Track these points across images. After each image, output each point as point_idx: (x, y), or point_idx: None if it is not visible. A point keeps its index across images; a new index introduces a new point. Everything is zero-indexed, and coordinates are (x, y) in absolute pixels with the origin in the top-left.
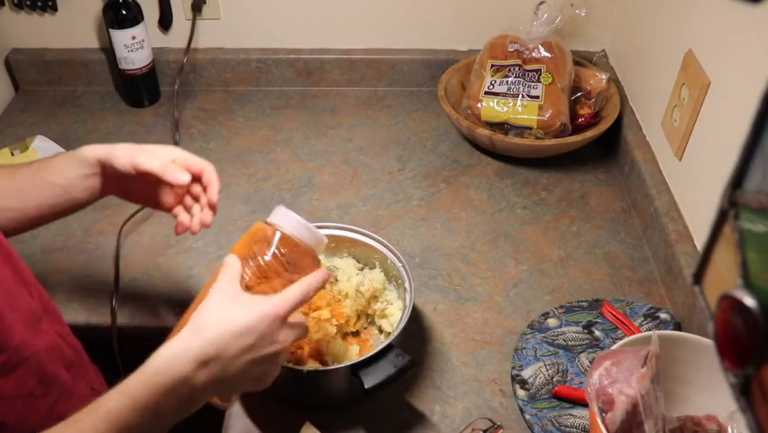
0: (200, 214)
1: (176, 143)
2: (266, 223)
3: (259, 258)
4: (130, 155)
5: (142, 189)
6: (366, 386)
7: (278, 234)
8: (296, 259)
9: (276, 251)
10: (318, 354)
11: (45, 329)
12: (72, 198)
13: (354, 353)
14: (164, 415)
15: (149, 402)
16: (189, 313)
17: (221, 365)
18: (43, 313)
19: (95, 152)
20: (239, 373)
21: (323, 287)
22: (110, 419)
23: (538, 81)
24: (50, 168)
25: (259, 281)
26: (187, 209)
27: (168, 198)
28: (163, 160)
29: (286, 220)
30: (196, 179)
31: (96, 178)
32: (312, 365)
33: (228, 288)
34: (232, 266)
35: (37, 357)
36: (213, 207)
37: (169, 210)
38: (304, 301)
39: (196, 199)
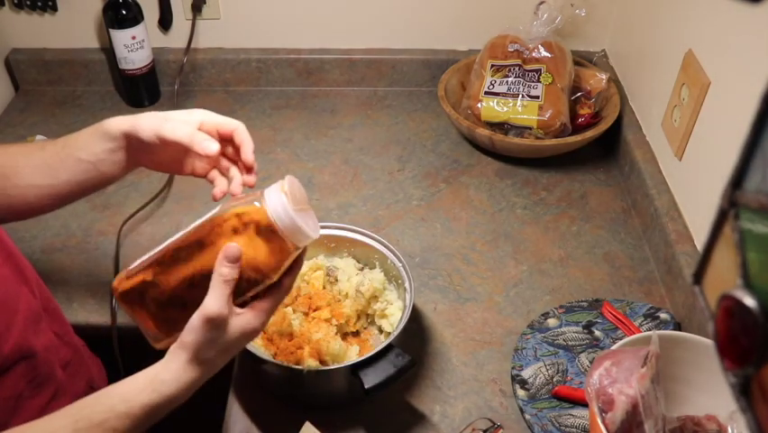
0: (239, 176)
1: None
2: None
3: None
4: (155, 126)
5: (173, 158)
6: (366, 386)
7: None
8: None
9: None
10: (318, 354)
11: (44, 329)
12: (101, 172)
13: (354, 353)
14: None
15: (146, 421)
16: (170, 248)
17: (210, 368)
18: (43, 312)
19: (119, 125)
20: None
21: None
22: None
23: (538, 81)
24: (76, 143)
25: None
26: (224, 172)
27: (200, 164)
28: (190, 127)
29: (279, 214)
30: (228, 140)
31: (123, 151)
32: (312, 365)
33: (226, 311)
34: (230, 278)
35: (30, 359)
36: (250, 169)
37: (203, 176)
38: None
39: (233, 161)
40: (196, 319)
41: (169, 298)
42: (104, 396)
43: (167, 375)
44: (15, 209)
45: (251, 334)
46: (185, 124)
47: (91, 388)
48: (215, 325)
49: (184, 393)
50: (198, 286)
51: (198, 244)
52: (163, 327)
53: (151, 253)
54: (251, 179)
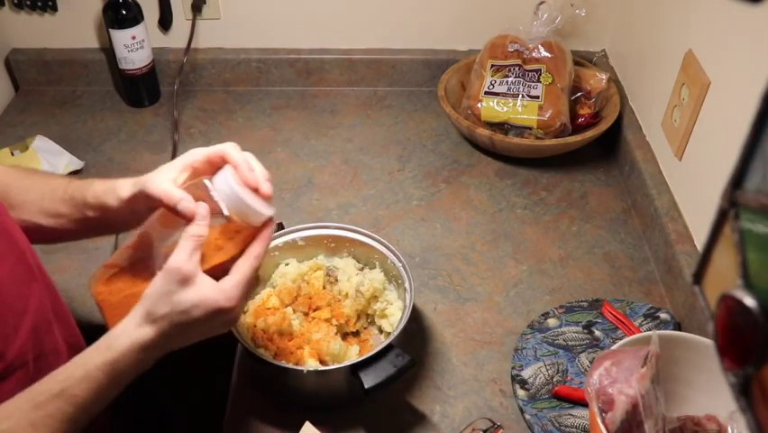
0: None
1: (174, 144)
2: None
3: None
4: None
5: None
6: (366, 386)
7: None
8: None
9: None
10: (318, 354)
11: (53, 333)
12: (88, 225)
13: (354, 353)
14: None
15: (108, 386)
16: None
17: (166, 347)
18: (53, 316)
19: (126, 188)
20: (181, 344)
21: (259, 263)
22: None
23: (538, 81)
24: (81, 186)
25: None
26: None
27: None
28: (169, 182)
29: (225, 192)
30: (220, 165)
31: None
32: (312, 365)
33: (188, 266)
34: (197, 234)
35: (35, 364)
36: (255, 187)
37: None
38: (254, 275)
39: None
40: (158, 273)
41: None
42: (65, 365)
43: (120, 330)
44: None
45: (213, 309)
46: (166, 181)
47: None
48: (173, 278)
49: (139, 353)
50: None
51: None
52: None
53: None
54: (267, 188)
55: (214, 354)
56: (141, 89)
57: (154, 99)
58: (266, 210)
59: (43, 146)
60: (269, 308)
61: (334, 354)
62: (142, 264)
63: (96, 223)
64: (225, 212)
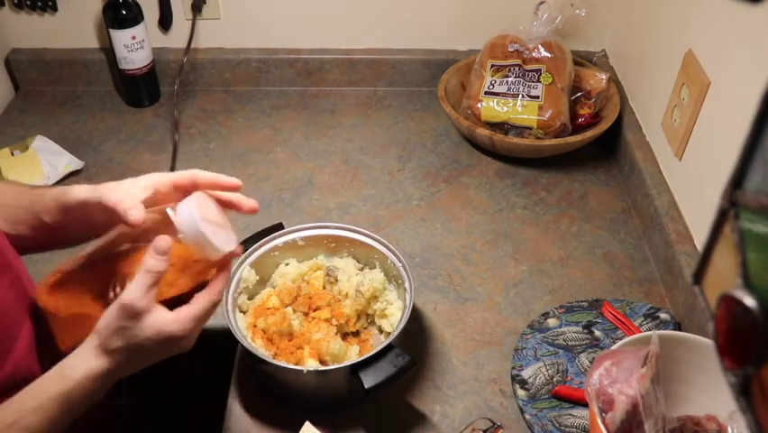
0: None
1: (175, 144)
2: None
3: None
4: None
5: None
6: (366, 386)
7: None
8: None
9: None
10: (318, 354)
11: (47, 356)
12: (47, 235)
13: (354, 353)
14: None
15: (61, 417)
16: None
17: (118, 377)
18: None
19: (77, 194)
20: (132, 371)
21: (220, 298)
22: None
23: (538, 81)
24: (42, 196)
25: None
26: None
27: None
28: (128, 195)
29: (187, 224)
30: (189, 190)
31: (71, 216)
32: (312, 365)
33: (143, 302)
34: (156, 270)
35: (28, 383)
36: (235, 188)
37: None
38: (212, 310)
39: (227, 204)
40: (112, 306)
41: None
42: (18, 395)
43: (75, 360)
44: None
45: (169, 339)
46: (122, 192)
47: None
48: (128, 313)
49: (94, 383)
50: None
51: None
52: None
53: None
54: (247, 205)
55: (214, 354)
56: (141, 89)
57: (154, 99)
58: (226, 246)
59: (43, 146)
60: (269, 308)
61: (334, 354)
62: (94, 276)
63: (53, 231)
64: (185, 242)
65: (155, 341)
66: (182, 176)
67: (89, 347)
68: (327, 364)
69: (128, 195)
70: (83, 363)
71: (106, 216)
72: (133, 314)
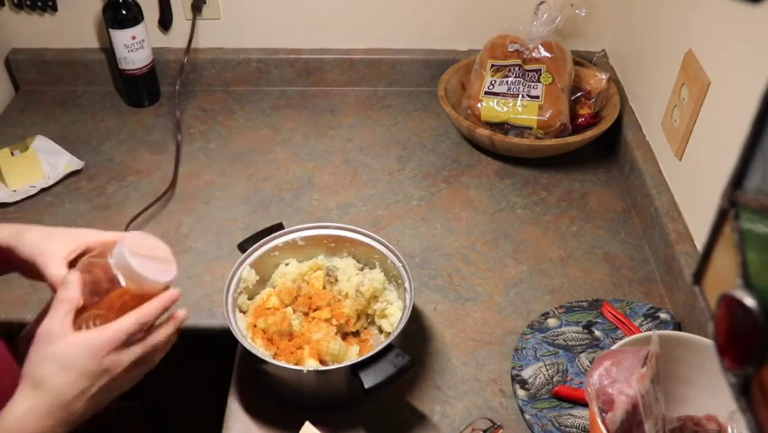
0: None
1: (178, 144)
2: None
3: (96, 293)
4: (34, 252)
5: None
6: (366, 386)
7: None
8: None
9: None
10: (318, 354)
11: None
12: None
13: (354, 353)
14: None
15: None
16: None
17: (66, 412)
18: None
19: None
20: (84, 406)
21: (158, 315)
22: None
23: (538, 81)
24: None
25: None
26: None
27: None
28: (62, 266)
29: (118, 260)
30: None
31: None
32: (312, 365)
33: (58, 326)
34: (68, 298)
35: None
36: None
37: None
38: (138, 329)
39: None
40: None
41: None
42: None
43: (10, 406)
44: None
45: (96, 350)
46: (45, 246)
47: None
48: (44, 338)
49: (35, 423)
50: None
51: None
52: None
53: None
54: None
55: (214, 354)
56: (141, 89)
57: (154, 99)
58: (161, 277)
59: (43, 146)
60: (269, 308)
61: (334, 354)
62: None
63: None
64: (122, 283)
65: (83, 354)
66: (113, 237)
67: (21, 387)
68: (327, 364)
69: (50, 249)
70: (15, 408)
71: (27, 263)
72: (48, 337)
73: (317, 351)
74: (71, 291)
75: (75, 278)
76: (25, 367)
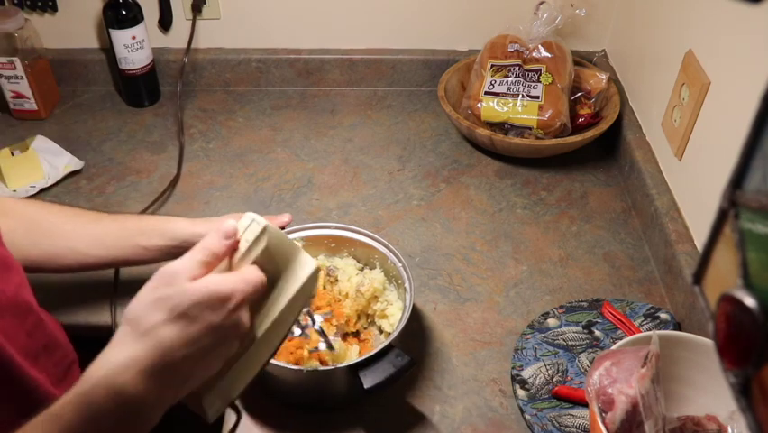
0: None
1: (181, 145)
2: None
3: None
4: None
5: None
6: (366, 386)
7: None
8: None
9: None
10: (318, 355)
11: (41, 366)
12: (145, 259)
13: (354, 353)
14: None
15: (83, 425)
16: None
17: (173, 372)
18: (43, 351)
19: (184, 230)
20: (191, 372)
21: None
22: None
23: (538, 81)
24: (139, 228)
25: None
26: None
27: None
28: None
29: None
30: None
31: (177, 251)
32: (312, 365)
33: (184, 269)
34: (205, 246)
35: (32, 393)
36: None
37: None
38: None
39: None
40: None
41: None
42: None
43: (107, 353)
44: (42, 264)
45: (220, 300)
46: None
47: None
48: (164, 278)
49: (132, 378)
50: None
51: None
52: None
53: None
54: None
55: None
56: (141, 89)
57: (154, 99)
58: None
59: (43, 146)
60: None
61: (335, 355)
62: None
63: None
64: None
65: (201, 301)
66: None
67: (121, 334)
68: (327, 364)
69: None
70: (119, 352)
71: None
72: (168, 278)
73: (318, 351)
74: (210, 239)
75: (231, 230)
76: (132, 308)
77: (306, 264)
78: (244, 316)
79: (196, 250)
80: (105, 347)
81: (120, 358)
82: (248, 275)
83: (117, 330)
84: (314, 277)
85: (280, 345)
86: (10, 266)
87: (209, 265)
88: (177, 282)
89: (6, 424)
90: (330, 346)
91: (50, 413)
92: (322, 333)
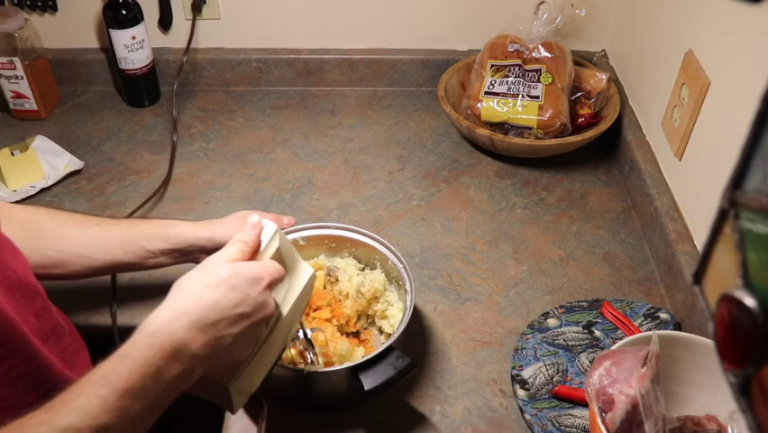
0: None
1: (173, 144)
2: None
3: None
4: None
5: None
6: (366, 388)
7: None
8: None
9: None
10: (325, 355)
11: (51, 347)
12: (149, 264)
13: (360, 353)
14: (165, 381)
15: (148, 364)
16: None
17: (216, 332)
18: (50, 334)
19: (191, 237)
20: (230, 341)
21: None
22: (108, 382)
23: (538, 81)
24: (142, 231)
25: None
26: None
27: None
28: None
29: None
30: None
31: (182, 256)
32: (312, 367)
33: (223, 256)
34: (242, 239)
35: (46, 370)
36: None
37: None
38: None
39: None
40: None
41: None
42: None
43: (156, 311)
44: (47, 270)
45: (251, 276)
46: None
47: None
48: (207, 261)
49: (178, 322)
50: None
51: None
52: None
53: None
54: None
55: None
56: (141, 89)
57: (154, 99)
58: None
59: (43, 146)
60: None
61: (342, 355)
62: None
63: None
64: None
65: (242, 277)
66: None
67: (169, 296)
68: (333, 365)
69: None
70: (167, 307)
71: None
72: (215, 261)
73: (325, 352)
74: (246, 234)
75: (254, 221)
76: (179, 280)
77: (305, 268)
78: (271, 299)
79: (232, 242)
80: (156, 309)
81: (172, 311)
82: (271, 265)
83: (167, 296)
84: (312, 281)
85: (288, 343)
86: (18, 250)
87: (244, 254)
88: (218, 261)
89: (24, 399)
90: (312, 362)
91: (117, 355)
92: (310, 344)
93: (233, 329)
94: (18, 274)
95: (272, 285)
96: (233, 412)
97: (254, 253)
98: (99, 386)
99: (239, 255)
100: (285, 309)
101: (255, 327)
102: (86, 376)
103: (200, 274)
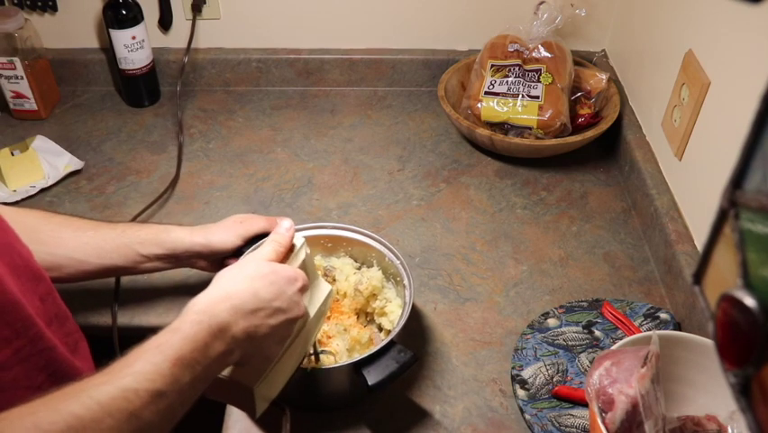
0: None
1: (180, 145)
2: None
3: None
4: (229, 243)
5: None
6: (370, 383)
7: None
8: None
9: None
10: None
11: (55, 331)
12: (143, 268)
13: (365, 337)
14: (210, 357)
15: (197, 339)
16: None
17: (255, 319)
18: (54, 319)
19: (186, 244)
20: (266, 332)
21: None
22: (162, 351)
23: (538, 81)
24: (138, 236)
25: None
26: None
27: None
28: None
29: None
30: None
31: (176, 262)
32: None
33: (260, 255)
34: (277, 239)
35: (51, 352)
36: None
37: None
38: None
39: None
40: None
41: None
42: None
43: (198, 297)
44: None
45: (285, 279)
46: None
47: None
48: (248, 260)
49: (221, 304)
50: None
51: None
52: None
53: None
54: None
55: None
56: (141, 89)
57: (154, 99)
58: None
59: (43, 146)
60: None
61: (362, 343)
62: None
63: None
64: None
65: (280, 275)
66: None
67: (211, 285)
68: (353, 355)
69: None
70: (209, 293)
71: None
72: (253, 259)
73: (354, 339)
74: (281, 235)
75: (288, 224)
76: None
77: (324, 284)
78: (303, 300)
79: (268, 242)
80: (201, 293)
81: (218, 294)
82: (301, 271)
83: (210, 284)
84: (330, 298)
85: (307, 352)
86: (20, 238)
87: (278, 254)
88: (258, 259)
89: (34, 379)
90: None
91: (168, 329)
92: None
93: (269, 321)
94: (24, 258)
95: (304, 289)
96: (254, 417)
97: (285, 257)
98: (153, 354)
99: (274, 255)
100: (311, 315)
101: (288, 324)
102: (140, 346)
103: (242, 268)
